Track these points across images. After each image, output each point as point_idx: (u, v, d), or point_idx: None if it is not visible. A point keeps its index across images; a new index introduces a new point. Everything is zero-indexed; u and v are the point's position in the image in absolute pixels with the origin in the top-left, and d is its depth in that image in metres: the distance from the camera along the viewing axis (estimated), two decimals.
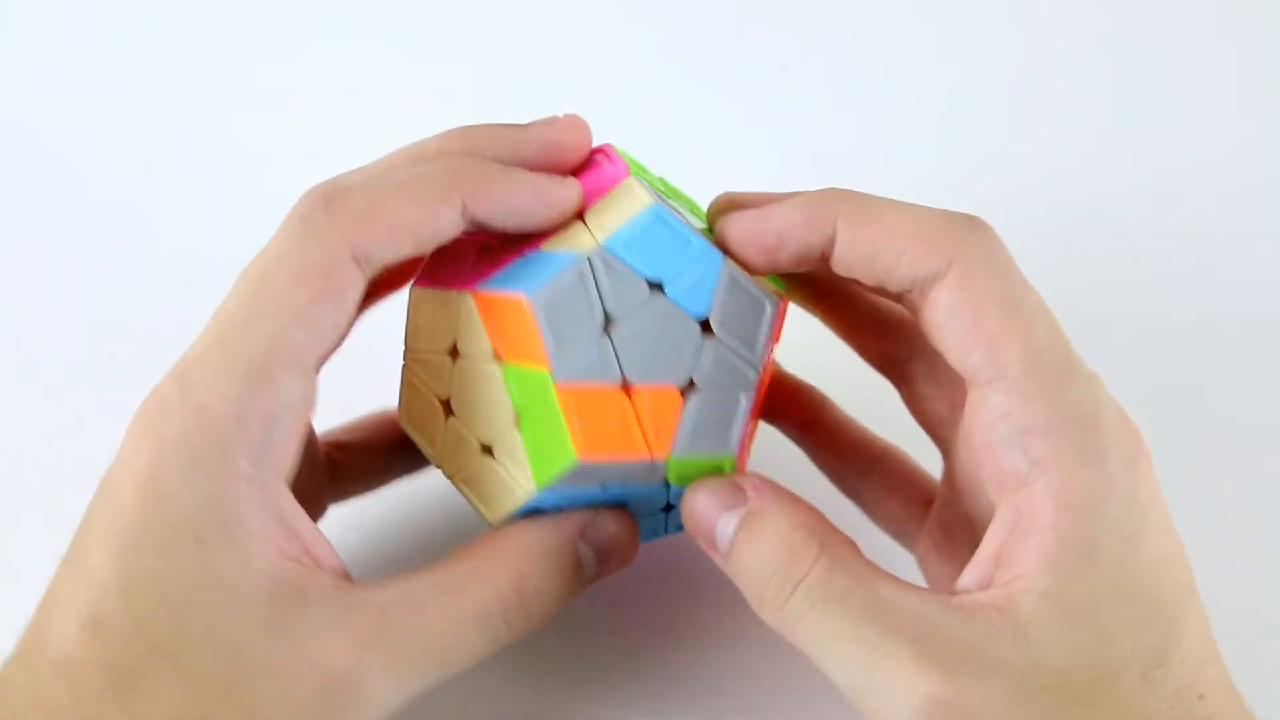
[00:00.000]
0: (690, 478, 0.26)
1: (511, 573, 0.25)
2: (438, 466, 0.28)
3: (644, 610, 0.33)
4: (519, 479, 0.26)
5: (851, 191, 0.26)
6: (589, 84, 0.50)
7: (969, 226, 0.25)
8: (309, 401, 0.25)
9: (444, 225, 0.25)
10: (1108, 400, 0.24)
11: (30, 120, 0.47)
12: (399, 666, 0.23)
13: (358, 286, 0.25)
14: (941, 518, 0.30)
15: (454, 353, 0.27)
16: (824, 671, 0.24)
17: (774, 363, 0.29)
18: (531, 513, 0.26)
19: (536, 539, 0.26)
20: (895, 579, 0.24)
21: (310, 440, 0.31)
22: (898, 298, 0.26)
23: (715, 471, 0.26)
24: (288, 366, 0.24)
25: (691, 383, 0.26)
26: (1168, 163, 0.48)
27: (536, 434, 0.25)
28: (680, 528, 0.28)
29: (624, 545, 0.27)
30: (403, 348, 0.28)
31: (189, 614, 0.23)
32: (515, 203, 0.26)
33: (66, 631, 0.23)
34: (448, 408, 0.27)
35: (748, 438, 0.27)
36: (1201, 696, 0.23)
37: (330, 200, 0.25)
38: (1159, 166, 0.48)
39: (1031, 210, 0.46)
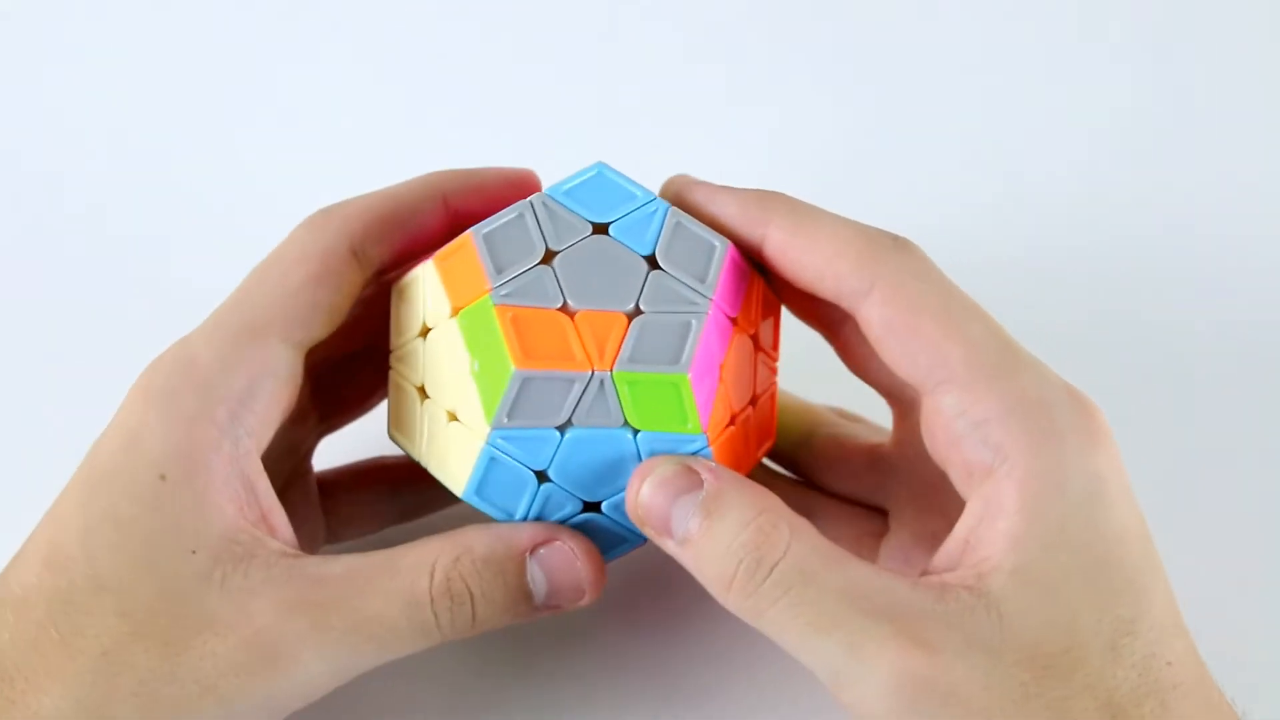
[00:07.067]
0: (648, 412, 0.25)
1: (447, 564, 0.25)
2: (421, 464, 0.28)
3: (641, 610, 0.33)
4: (476, 428, 0.25)
5: (787, 198, 0.27)
6: (581, 91, 0.51)
7: (892, 246, 0.26)
8: (294, 377, 0.26)
9: (428, 216, 0.28)
10: (1056, 382, 0.25)
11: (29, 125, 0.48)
12: (325, 636, 0.24)
13: (355, 277, 0.27)
14: (901, 539, 0.30)
15: (425, 333, 0.27)
16: (797, 657, 0.24)
17: (759, 333, 0.28)
18: (499, 519, 0.26)
19: (484, 541, 0.25)
20: (859, 560, 0.24)
21: (305, 470, 0.32)
22: (831, 307, 0.27)
23: (670, 394, 0.25)
24: (279, 334, 0.26)
25: (638, 309, 0.25)
26: (1169, 165, 0.48)
27: (485, 370, 0.25)
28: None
29: (579, 577, 0.26)
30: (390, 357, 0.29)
31: (138, 551, 0.23)
32: (484, 180, 0.29)
33: (28, 569, 0.24)
34: (424, 393, 0.27)
35: (724, 405, 0.26)
36: (1169, 664, 0.23)
37: (329, 208, 0.28)
38: (1160, 167, 0.48)
39: (1029, 210, 0.46)
